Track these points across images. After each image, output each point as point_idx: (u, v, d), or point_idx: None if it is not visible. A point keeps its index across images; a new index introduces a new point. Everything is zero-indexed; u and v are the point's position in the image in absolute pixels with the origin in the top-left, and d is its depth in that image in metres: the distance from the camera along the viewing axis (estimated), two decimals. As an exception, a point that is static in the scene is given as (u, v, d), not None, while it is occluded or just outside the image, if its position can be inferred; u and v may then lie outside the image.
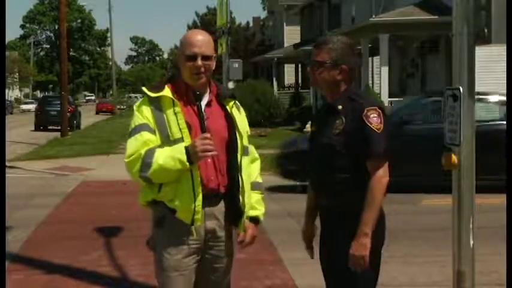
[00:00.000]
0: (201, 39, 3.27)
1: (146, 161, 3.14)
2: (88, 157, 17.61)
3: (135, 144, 3.19)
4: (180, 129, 3.19)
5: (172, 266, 3.24)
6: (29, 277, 6.17)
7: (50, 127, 31.91)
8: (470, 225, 3.78)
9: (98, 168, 15.50)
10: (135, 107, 3.30)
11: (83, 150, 18.99)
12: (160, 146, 3.18)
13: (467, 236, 3.78)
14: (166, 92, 3.25)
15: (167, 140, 3.19)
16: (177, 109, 3.21)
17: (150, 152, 3.15)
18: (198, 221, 3.20)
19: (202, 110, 3.25)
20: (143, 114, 3.23)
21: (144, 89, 3.29)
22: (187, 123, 3.20)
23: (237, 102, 3.44)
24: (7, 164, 14.26)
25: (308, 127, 14.69)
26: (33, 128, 33.21)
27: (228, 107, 3.37)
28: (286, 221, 8.86)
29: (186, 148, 3.13)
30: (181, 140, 3.18)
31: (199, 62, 3.22)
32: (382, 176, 3.25)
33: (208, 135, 3.14)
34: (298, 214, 8.97)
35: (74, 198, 11.10)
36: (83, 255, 6.88)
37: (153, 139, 3.20)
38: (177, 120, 3.20)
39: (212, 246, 3.32)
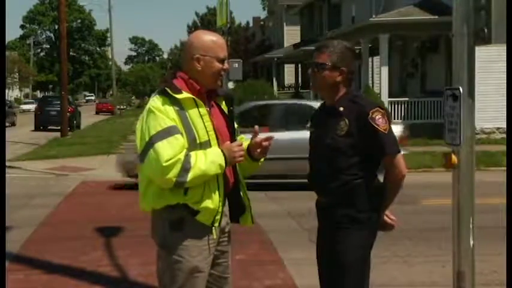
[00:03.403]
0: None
1: (186, 166, 3.05)
2: (88, 157, 17.57)
3: (171, 148, 3.03)
4: (207, 132, 3.16)
5: (194, 267, 3.20)
6: (28, 277, 6.16)
7: (50, 127, 31.86)
8: (470, 225, 3.78)
9: (98, 168, 15.48)
10: (154, 108, 3.12)
11: (83, 150, 18.95)
12: (188, 149, 3.11)
13: (467, 236, 3.78)
14: (188, 93, 3.19)
15: (193, 143, 3.12)
16: (203, 111, 3.17)
17: (188, 157, 3.07)
18: (217, 222, 3.21)
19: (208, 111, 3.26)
20: (169, 115, 3.09)
21: (167, 89, 3.16)
22: (213, 126, 3.20)
23: (227, 99, 3.45)
24: (7, 164, 14.26)
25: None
26: (33, 128, 33.18)
27: (222, 106, 3.39)
28: (286, 221, 8.86)
29: (223, 152, 3.14)
30: (208, 143, 3.15)
31: (227, 64, 3.28)
32: (402, 169, 3.45)
33: (241, 142, 3.22)
34: (298, 214, 9.05)
35: (74, 198, 11.08)
36: (83, 255, 6.87)
37: (184, 142, 3.11)
38: (204, 123, 3.16)
39: (220, 243, 3.34)
